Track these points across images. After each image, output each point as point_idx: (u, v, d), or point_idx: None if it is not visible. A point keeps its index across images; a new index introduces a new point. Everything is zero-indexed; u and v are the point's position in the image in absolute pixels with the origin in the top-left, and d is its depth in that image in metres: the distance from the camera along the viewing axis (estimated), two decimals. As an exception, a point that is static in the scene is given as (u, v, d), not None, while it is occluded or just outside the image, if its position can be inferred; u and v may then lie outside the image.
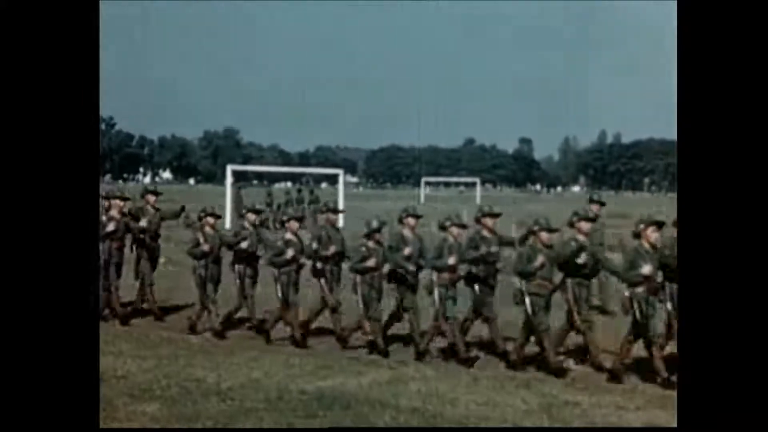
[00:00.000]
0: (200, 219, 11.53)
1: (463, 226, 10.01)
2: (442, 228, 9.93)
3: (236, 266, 11.32)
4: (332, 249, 10.75)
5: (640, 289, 8.82)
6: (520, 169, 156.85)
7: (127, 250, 12.38)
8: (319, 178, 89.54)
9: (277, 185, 77.31)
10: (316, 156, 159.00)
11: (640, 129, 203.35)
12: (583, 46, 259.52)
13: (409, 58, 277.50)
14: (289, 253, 10.59)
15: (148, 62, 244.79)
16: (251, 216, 11.67)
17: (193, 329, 11.24)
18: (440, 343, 10.07)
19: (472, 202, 45.90)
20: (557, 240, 9.70)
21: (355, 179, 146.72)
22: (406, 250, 10.15)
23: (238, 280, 11.27)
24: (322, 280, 10.72)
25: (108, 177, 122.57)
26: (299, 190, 35.25)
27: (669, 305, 8.89)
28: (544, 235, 9.37)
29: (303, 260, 10.77)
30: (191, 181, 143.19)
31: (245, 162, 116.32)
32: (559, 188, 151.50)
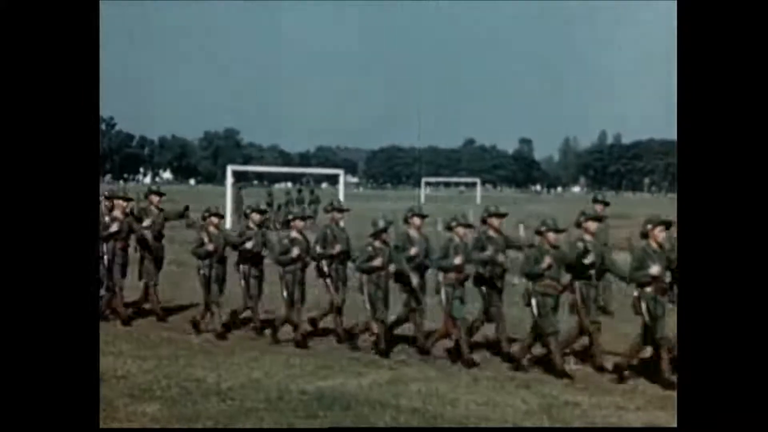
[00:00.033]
0: (204, 219, 11.49)
1: (469, 226, 9.97)
2: (449, 228, 9.90)
3: (241, 266, 11.30)
4: (338, 248, 10.75)
5: (648, 290, 8.79)
6: (520, 170, 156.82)
7: (131, 250, 12.37)
8: (319, 179, 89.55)
9: (277, 185, 77.28)
10: (316, 156, 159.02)
11: (640, 129, 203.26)
12: (583, 46, 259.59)
13: (409, 58, 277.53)
14: (295, 251, 10.55)
15: (148, 62, 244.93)
16: (256, 216, 11.60)
17: (196, 329, 11.23)
18: (447, 343, 10.03)
19: (472, 203, 45.91)
20: (564, 240, 9.68)
21: (355, 180, 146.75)
22: (412, 250, 10.15)
23: (242, 281, 11.24)
24: (328, 280, 10.71)
25: (108, 177, 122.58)
26: (300, 191, 35.26)
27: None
28: (551, 235, 9.31)
29: (308, 259, 10.75)
30: (191, 181, 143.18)
31: (245, 162, 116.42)
32: (559, 189, 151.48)
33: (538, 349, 9.52)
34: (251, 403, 7.53)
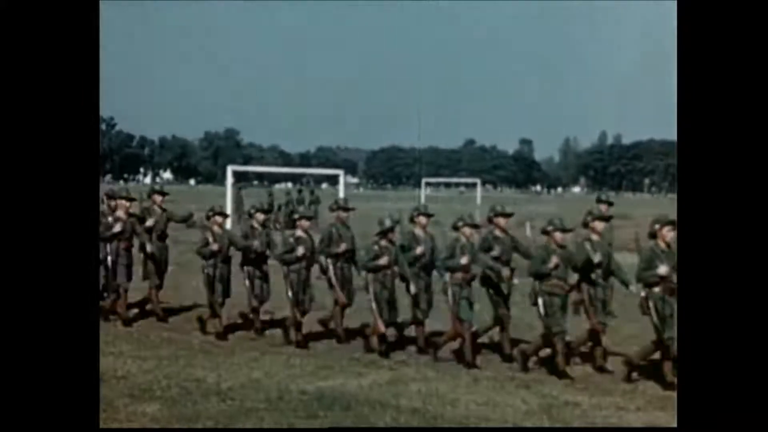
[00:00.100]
0: (208, 218, 11.48)
1: (476, 226, 9.93)
2: (455, 228, 9.88)
3: (245, 267, 11.27)
4: (343, 246, 10.74)
5: (656, 290, 8.77)
6: (520, 170, 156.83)
7: (134, 250, 12.35)
8: (319, 179, 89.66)
9: (277, 186, 77.27)
10: (316, 156, 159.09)
11: (640, 130, 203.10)
12: (583, 46, 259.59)
13: (409, 58, 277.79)
14: (300, 250, 10.52)
15: (148, 62, 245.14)
16: (260, 215, 11.55)
17: (203, 328, 11.19)
18: (453, 344, 9.99)
19: (472, 203, 45.94)
20: (571, 240, 9.65)
21: (355, 180, 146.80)
22: (418, 249, 10.14)
23: (247, 281, 11.20)
24: (333, 279, 10.70)
25: (108, 177, 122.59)
26: (300, 191, 35.27)
27: None
28: (558, 235, 9.28)
29: (316, 257, 10.72)
30: (192, 181, 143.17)
31: (246, 162, 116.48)
32: (559, 189, 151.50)
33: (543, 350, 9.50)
34: (251, 403, 7.53)
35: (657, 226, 8.94)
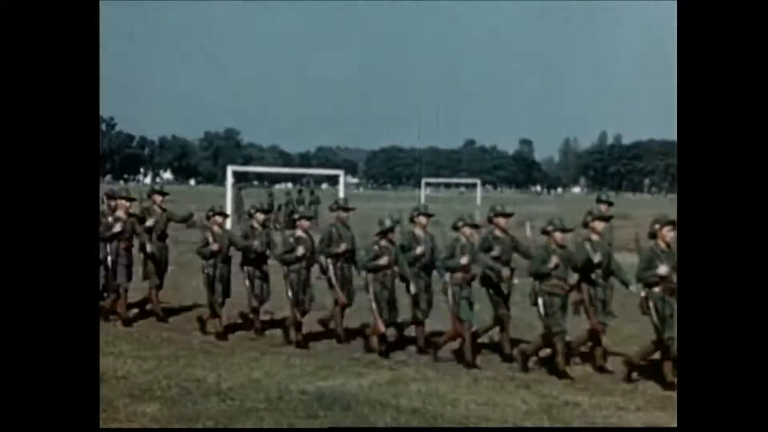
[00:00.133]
0: (208, 218, 11.47)
1: (476, 226, 9.92)
2: (455, 228, 9.87)
3: (245, 267, 11.26)
4: (343, 246, 10.74)
5: (656, 290, 8.76)
6: (520, 171, 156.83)
7: (134, 250, 12.34)
8: (319, 179, 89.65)
9: (277, 186, 77.28)
10: (316, 157, 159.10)
11: (640, 130, 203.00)
12: (583, 46, 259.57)
13: (409, 58, 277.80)
14: (300, 250, 10.51)
15: (148, 62, 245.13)
16: (260, 215, 11.55)
17: (203, 328, 11.19)
18: (453, 344, 9.98)
19: (472, 203, 45.94)
20: (571, 240, 9.65)
21: (355, 180, 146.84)
22: (418, 249, 10.14)
23: (247, 281, 11.19)
24: (333, 279, 10.70)
25: (108, 177, 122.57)
26: (300, 191, 35.29)
27: None
28: (558, 235, 9.27)
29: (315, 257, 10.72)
30: (192, 181, 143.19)
31: (246, 163, 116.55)
32: (559, 189, 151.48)
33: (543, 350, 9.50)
34: (251, 403, 7.53)
35: (657, 226, 8.93)
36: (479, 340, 10.07)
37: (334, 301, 10.82)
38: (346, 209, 11.19)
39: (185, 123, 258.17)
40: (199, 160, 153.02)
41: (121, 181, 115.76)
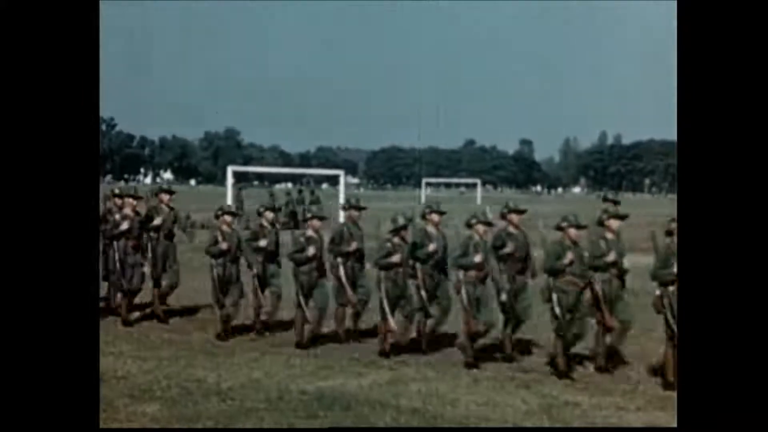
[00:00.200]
0: (217, 217, 11.45)
1: (489, 224, 9.86)
2: (468, 225, 9.83)
3: (254, 266, 11.24)
4: (354, 245, 10.72)
5: (671, 288, 8.71)
6: (520, 171, 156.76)
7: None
8: (319, 179, 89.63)
9: (277, 186, 77.27)
10: (316, 157, 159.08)
11: (640, 130, 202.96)
12: (583, 46, 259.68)
13: (409, 58, 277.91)
14: (311, 250, 10.47)
15: (148, 62, 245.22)
16: (269, 214, 11.53)
17: (226, 329, 11.11)
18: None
19: (472, 204, 45.89)
20: (585, 237, 9.63)
21: (355, 180, 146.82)
22: (431, 246, 10.11)
23: (255, 280, 11.16)
24: (343, 278, 10.68)
25: (109, 178, 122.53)
26: (300, 191, 35.27)
27: None
28: (572, 231, 9.24)
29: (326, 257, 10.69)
30: (192, 181, 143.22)
31: (246, 163, 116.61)
32: (559, 189, 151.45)
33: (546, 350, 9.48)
34: (251, 403, 7.54)
35: (674, 225, 8.87)
36: (484, 341, 10.02)
37: (336, 299, 10.77)
38: (359, 208, 11.16)
39: (185, 123, 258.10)
40: (199, 160, 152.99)
41: (122, 182, 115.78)
